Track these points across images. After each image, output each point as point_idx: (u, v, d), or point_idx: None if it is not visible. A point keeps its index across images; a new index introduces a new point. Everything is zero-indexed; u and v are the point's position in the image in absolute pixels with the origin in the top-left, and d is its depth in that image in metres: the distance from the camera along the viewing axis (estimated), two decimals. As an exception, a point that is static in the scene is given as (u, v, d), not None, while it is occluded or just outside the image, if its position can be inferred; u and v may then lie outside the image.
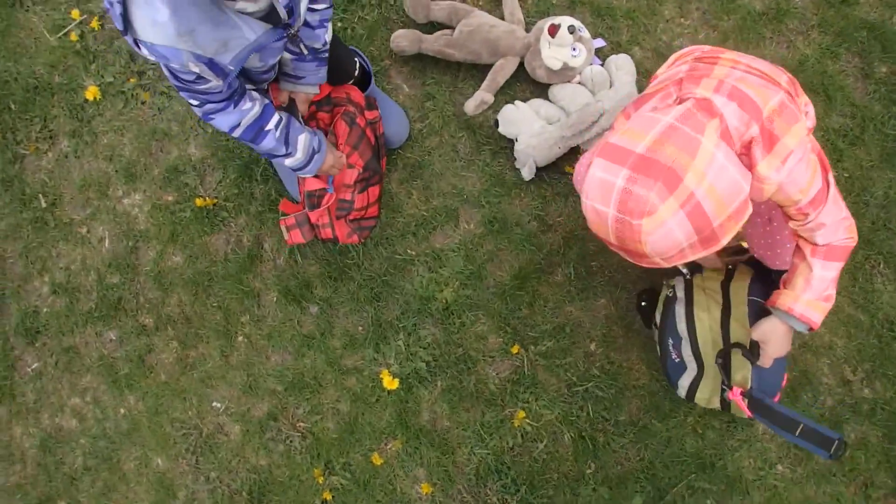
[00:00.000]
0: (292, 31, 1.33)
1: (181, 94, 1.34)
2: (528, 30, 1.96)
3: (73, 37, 2.11)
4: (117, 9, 1.07)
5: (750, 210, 1.15)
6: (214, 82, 1.28)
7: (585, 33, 1.91)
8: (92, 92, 2.08)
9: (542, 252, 1.98)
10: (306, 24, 1.45)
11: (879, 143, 1.93)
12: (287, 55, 1.54)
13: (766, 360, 1.44)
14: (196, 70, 1.21)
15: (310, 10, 1.42)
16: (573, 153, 1.98)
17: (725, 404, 1.61)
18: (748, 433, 1.89)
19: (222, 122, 1.41)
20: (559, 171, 1.97)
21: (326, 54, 1.58)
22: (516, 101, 1.95)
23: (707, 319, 1.55)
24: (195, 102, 1.36)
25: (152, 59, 1.16)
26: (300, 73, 1.59)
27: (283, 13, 1.24)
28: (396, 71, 2.06)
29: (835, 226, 1.30)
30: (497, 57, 1.94)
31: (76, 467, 2.02)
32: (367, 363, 1.98)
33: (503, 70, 1.94)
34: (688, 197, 1.05)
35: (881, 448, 1.87)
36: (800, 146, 1.18)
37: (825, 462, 1.88)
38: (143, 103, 2.09)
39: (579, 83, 1.95)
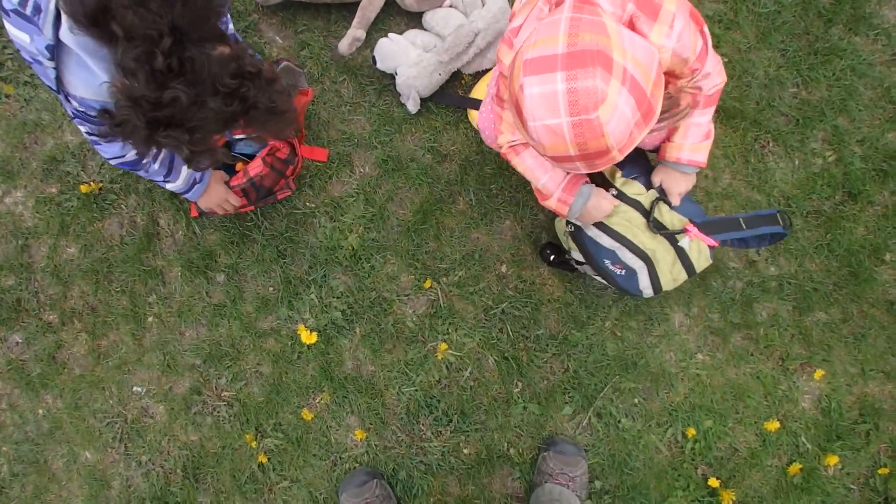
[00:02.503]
0: None
1: (74, 120, 1.36)
2: (390, -40, 1.92)
3: (-78, 36, 2.00)
4: (51, 72, 1.18)
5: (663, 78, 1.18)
6: None
7: (447, -46, 1.87)
8: (-49, 91, 1.98)
9: (440, 183, 1.96)
10: None
11: (754, 23, 1.94)
12: None
13: (675, 199, 1.51)
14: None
15: None
16: (456, 79, 1.96)
17: (687, 262, 1.55)
18: (665, 328, 1.92)
19: (106, 150, 1.45)
20: (445, 101, 1.95)
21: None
22: (390, 34, 1.91)
23: (621, 219, 1.53)
24: (85, 129, 1.39)
25: (81, 108, 1.25)
26: None
27: None
28: (266, 24, 2.00)
29: (716, 71, 1.36)
30: (364, -10, 1.89)
31: (2, 476, 1.95)
32: (282, 322, 1.95)
33: (371, 4, 1.89)
34: (623, 73, 1.06)
35: (793, 321, 1.92)
36: (679, 9, 1.20)
37: (741, 343, 1.92)
38: (7, 97, 2.00)
39: (451, 6, 1.92)
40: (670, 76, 1.33)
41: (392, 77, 1.93)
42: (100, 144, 1.44)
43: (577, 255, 1.70)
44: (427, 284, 1.94)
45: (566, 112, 1.06)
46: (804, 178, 1.91)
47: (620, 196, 1.53)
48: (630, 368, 1.91)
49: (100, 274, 1.97)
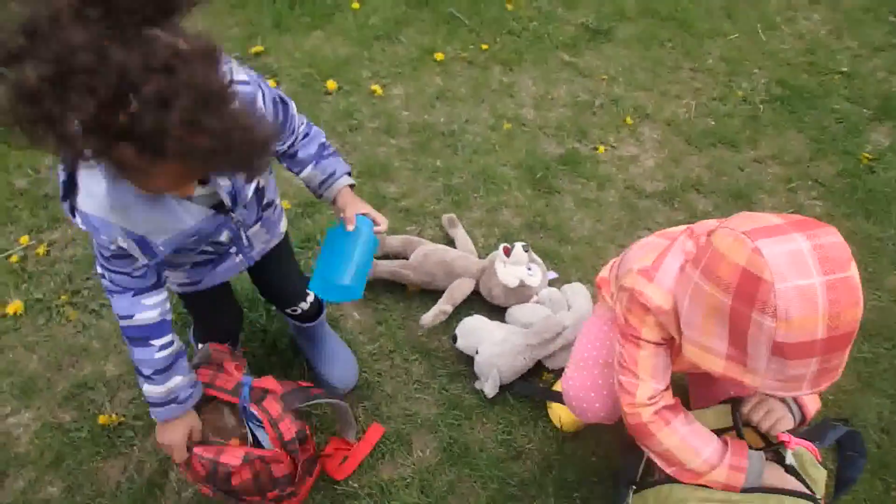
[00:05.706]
0: (235, 218, 1.23)
1: (97, 264, 1.19)
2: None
3: (14, 259, 2.04)
4: (62, 175, 1.04)
5: None
6: (139, 261, 1.15)
7: (538, 259, 1.97)
8: (14, 307, 1.91)
9: (513, 481, 1.66)
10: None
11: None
12: None
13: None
14: (124, 246, 1.10)
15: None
16: (535, 374, 1.85)
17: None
18: None
19: (117, 304, 1.21)
20: (525, 391, 1.80)
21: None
22: (475, 315, 1.88)
23: None
24: (100, 271, 1.19)
25: (83, 228, 1.06)
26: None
27: (226, 200, 1.16)
28: (347, 304, 2.00)
29: None
30: (452, 279, 1.95)
31: None
32: None
33: (460, 288, 1.92)
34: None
35: None
36: None
37: None
38: (68, 320, 1.91)
39: (537, 302, 1.93)
40: None
41: (468, 363, 1.84)
42: (112, 295, 1.20)
43: None
44: None
45: (818, 270, 0.90)
46: None
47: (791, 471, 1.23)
48: None
49: (71, 527, 1.56)
